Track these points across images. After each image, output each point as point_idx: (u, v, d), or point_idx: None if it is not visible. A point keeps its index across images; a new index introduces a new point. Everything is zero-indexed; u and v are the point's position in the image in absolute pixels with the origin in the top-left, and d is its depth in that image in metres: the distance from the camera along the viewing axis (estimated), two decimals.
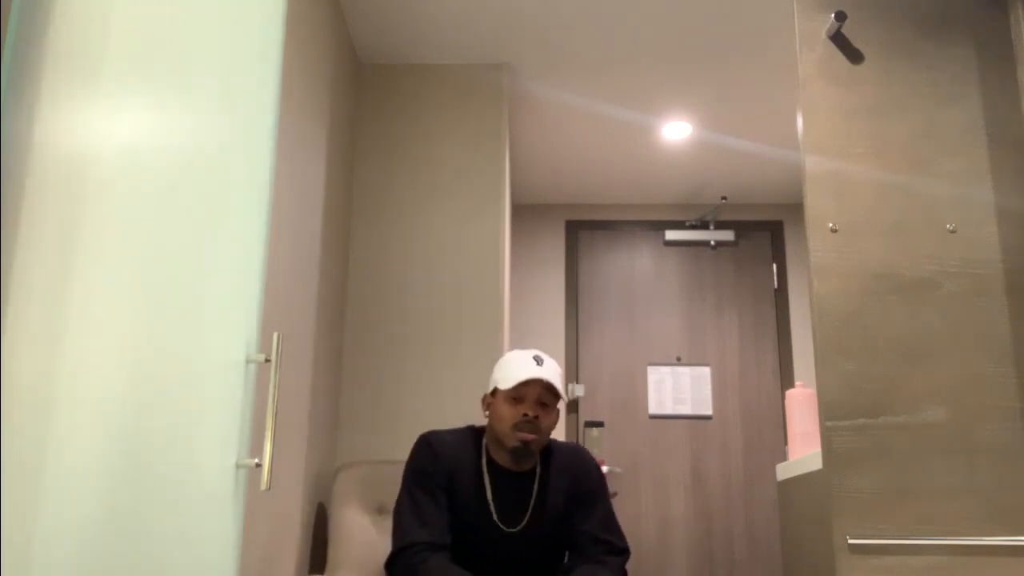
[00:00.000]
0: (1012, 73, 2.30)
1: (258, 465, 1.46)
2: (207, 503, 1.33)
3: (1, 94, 0.85)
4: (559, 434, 4.53)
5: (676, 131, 4.09)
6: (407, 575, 2.00)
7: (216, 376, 1.36)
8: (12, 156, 0.85)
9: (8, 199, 0.84)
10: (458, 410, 3.20)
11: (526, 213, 4.95)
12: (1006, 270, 2.18)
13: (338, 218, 3.18)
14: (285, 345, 2.46)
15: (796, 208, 4.94)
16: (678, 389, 4.67)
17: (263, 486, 1.42)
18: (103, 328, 1.01)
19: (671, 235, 4.88)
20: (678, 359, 4.71)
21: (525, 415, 2.05)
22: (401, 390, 3.23)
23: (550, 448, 2.22)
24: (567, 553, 2.21)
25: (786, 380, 4.65)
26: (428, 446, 2.12)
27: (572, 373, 4.71)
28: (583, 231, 4.93)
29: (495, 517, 2.10)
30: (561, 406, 2.18)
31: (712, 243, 4.87)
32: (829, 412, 2.09)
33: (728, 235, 4.86)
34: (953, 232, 2.21)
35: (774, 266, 4.84)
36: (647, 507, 4.53)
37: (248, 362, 1.50)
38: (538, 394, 2.07)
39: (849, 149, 2.26)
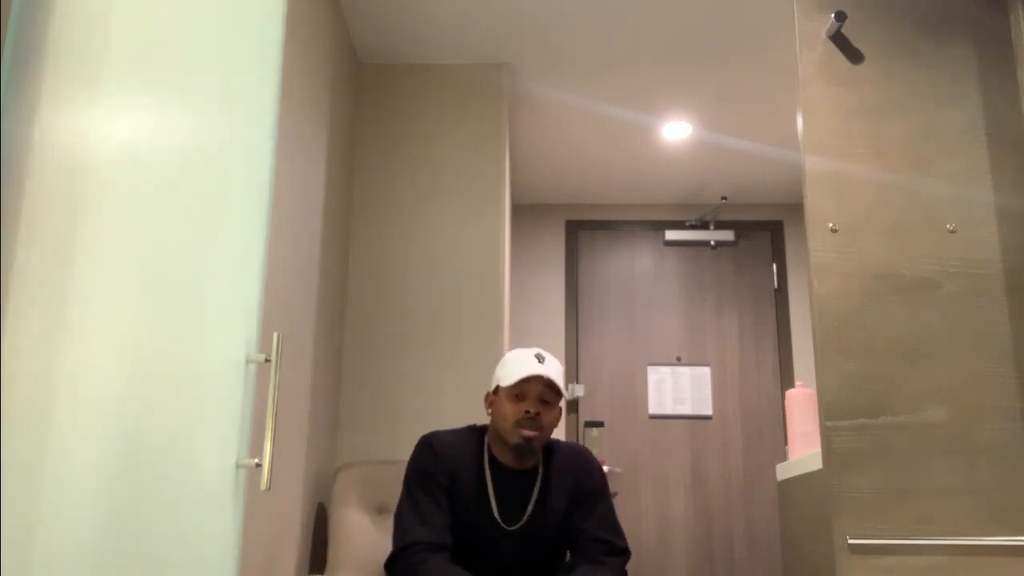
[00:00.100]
0: (1012, 73, 2.30)
1: (258, 465, 1.46)
2: (207, 503, 1.33)
3: (1, 94, 0.85)
4: (559, 434, 4.53)
5: (676, 131, 4.09)
6: (407, 575, 2.00)
7: (216, 376, 1.36)
8: (12, 156, 0.85)
9: (8, 199, 0.85)
10: (458, 410, 3.20)
11: (526, 213, 4.95)
12: (1006, 270, 2.18)
13: (338, 218, 3.18)
14: (285, 345, 2.46)
15: (796, 208, 4.94)
16: (678, 389, 4.67)
17: (263, 486, 1.42)
18: (103, 328, 1.01)
19: (671, 235, 4.88)
20: (678, 359, 4.71)
21: (527, 412, 2.06)
22: (401, 390, 3.23)
23: (552, 448, 2.22)
24: (568, 553, 2.21)
25: (786, 380, 4.65)
26: (429, 447, 2.13)
27: (572, 373, 4.71)
28: (583, 231, 4.93)
29: (496, 515, 2.10)
30: (563, 404, 2.18)
31: (712, 243, 4.87)
32: (829, 412, 2.09)
33: (728, 235, 4.86)
34: (953, 232, 2.21)
35: (774, 266, 4.85)
36: (647, 507, 4.53)
37: (248, 362, 1.50)
38: (540, 391, 2.08)
39: (849, 149, 2.26)
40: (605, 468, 4.37)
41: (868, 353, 2.12)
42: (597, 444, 4.31)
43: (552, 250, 4.90)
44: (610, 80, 3.65)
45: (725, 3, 3.13)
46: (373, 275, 3.34)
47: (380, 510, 2.82)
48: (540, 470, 2.17)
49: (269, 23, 1.62)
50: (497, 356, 3.21)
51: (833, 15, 2.28)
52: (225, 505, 1.40)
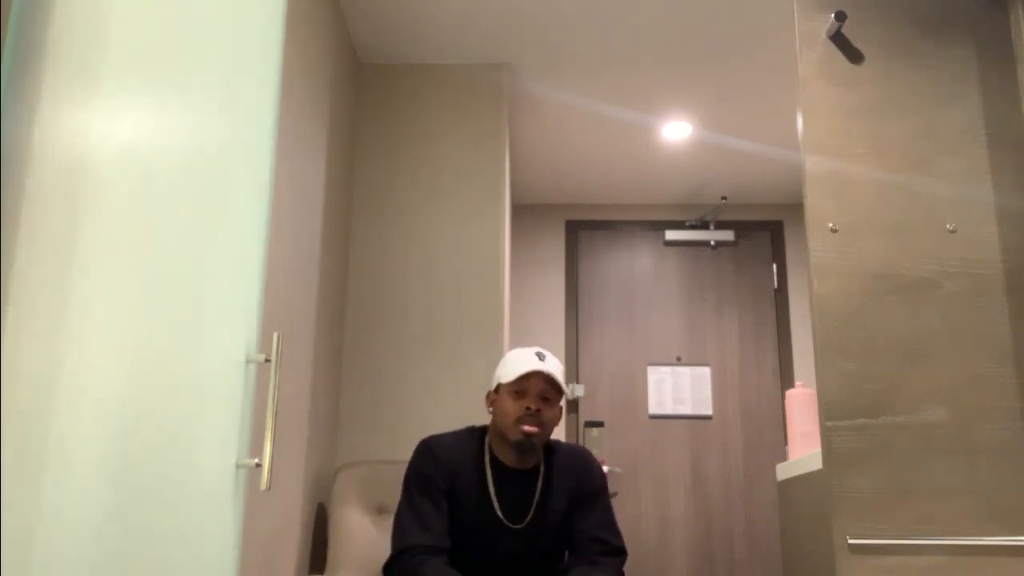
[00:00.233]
0: (1012, 73, 2.30)
1: (258, 465, 1.46)
2: (207, 503, 1.33)
3: (1, 94, 0.85)
4: (560, 434, 4.53)
5: (676, 131, 4.09)
6: None
7: (216, 376, 1.36)
8: (12, 156, 0.85)
9: (8, 199, 0.85)
10: (458, 410, 3.20)
11: (526, 213, 4.95)
12: (1006, 270, 2.18)
13: (338, 218, 3.18)
14: (285, 345, 2.46)
15: (796, 208, 4.94)
16: (678, 389, 4.67)
17: (263, 486, 1.42)
18: (103, 328, 1.01)
19: (671, 235, 4.88)
20: (678, 359, 4.71)
21: (528, 408, 2.06)
22: (401, 390, 3.23)
23: (553, 448, 2.22)
24: (566, 553, 2.22)
25: (786, 380, 4.65)
26: (429, 451, 2.13)
27: (572, 373, 4.71)
28: (583, 231, 4.93)
29: (500, 514, 2.10)
30: (563, 403, 2.19)
31: (712, 243, 4.87)
32: (829, 412, 2.09)
33: (728, 235, 4.86)
34: (953, 232, 2.21)
35: (774, 266, 4.84)
36: (647, 507, 4.53)
37: (248, 362, 1.50)
38: (541, 388, 2.09)
39: (849, 149, 2.26)
40: (605, 468, 4.37)
41: (868, 353, 2.12)
42: (597, 444, 4.31)
43: (552, 250, 4.90)
44: (610, 80, 3.65)
45: (725, 3, 3.13)
46: (373, 275, 3.34)
47: (380, 510, 2.82)
48: (541, 469, 2.17)
49: (269, 23, 1.62)
50: (497, 356, 3.21)
51: (833, 15, 2.28)
52: (225, 505, 1.40)
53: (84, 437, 0.98)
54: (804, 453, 2.60)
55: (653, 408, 4.65)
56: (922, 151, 2.26)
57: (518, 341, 4.69)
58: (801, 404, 2.74)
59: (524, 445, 2.08)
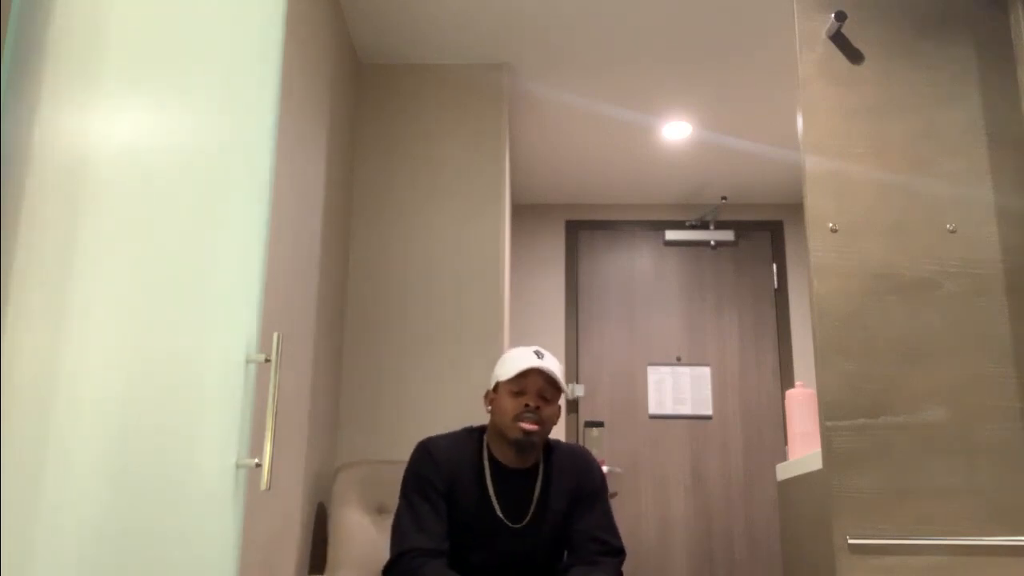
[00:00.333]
0: (1012, 73, 2.30)
1: (258, 465, 1.46)
2: (207, 503, 1.33)
3: (1, 94, 0.85)
4: (560, 434, 4.53)
5: (676, 131, 4.09)
6: None
7: (216, 376, 1.36)
8: (12, 156, 0.85)
9: (8, 199, 0.85)
10: (458, 409, 3.20)
11: (526, 213, 4.95)
12: (1006, 270, 2.18)
13: (338, 218, 3.18)
14: (285, 345, 2.46)
15: (796, 208, 4.94)
16: (678, 389, 4.67)
17: (263, 486, 1.42)
18: (103, 328, 1.01)
19: (671, 235, 4.88)
20: (678, 359, 4.71)
21: (527, 405, 2.06)
22: (401, 390, 3.23)
23: (553, 447, 2.22)
24: (565, 553, 2.22)
25: (786, 380, 4.65)
26: (427, 453, 2.13)
27: (572, 373, 4.71)
28: (583, 231, 4.93)
29: (499, 514, 2.10)
30: (562, 402, 2.19)
31: (712, 243, 4.87)
32: (829, 412, 2.09)
33: (728, 235, 4.86)
34: (953, 232, 2.21)
35: (774, 266, 4.85)
36: (647, 507, 4.53)
37: (248, 362, 1.50)
38: (539, 386, 2.08)
39: (849, 149, 2.26)
40: (605, 468, 4.37)
41: (868, 353, 2.12)
42: (597, 444, 4.31)
43: (552, 250, 4.90)
44: (610, 80, 3.65)
45: (725, 3, 3.13)
46: (373, 275, 3.34)
47: (380, 510, 2.82)
48: (541, 468, 2.17)
49: (269, 23, 1.62)
50: (497, 356, 3.21)
51: (833, 15, 2.28)
52: (225, 505, 1.40)
53: (84, 437, 0.98)
54: (804, 453, 2.60)
55: (653, 408, 4.65)
56: (922, 151, 2.26)
57: (518, 341, 4.69)
58: (801, 404, 2.74)
59: (524, 443, 2.07)
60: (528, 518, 2.12)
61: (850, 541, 2.00)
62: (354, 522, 2.74)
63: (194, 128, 1.27)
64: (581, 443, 4.44)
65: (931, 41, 2.33)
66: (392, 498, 2.71)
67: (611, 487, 4.48)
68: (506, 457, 2.13)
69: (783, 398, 4.60)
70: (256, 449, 1.98)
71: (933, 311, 2.15)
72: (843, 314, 2.15)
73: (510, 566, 2.12)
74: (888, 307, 2.16)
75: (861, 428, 2.08)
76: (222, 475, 1.39)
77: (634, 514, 4.51)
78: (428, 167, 3.44)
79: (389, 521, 2.66)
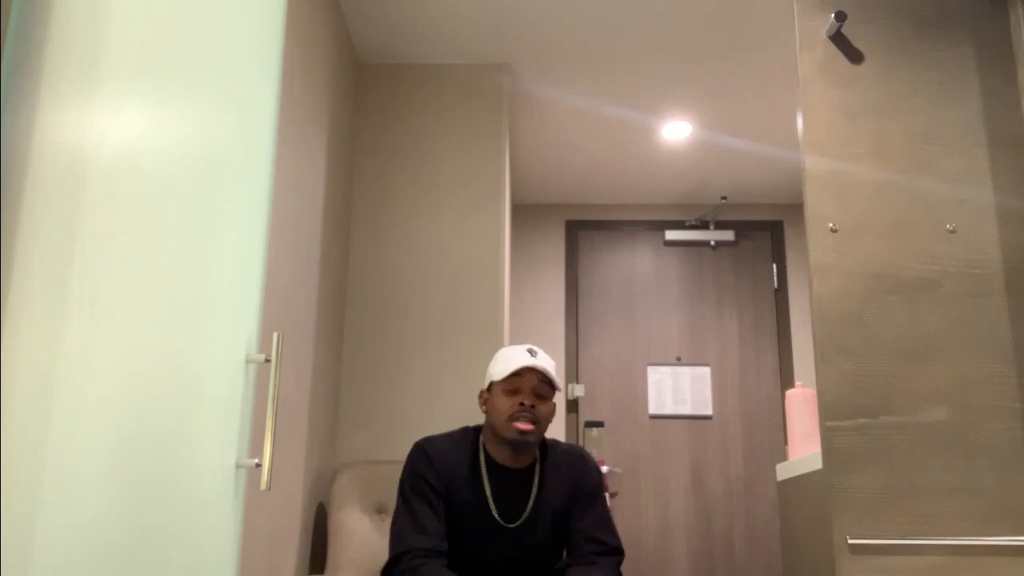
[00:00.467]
0: (1012, 73, 2.30)
1: (258, 465, 1.46)
2: (207, 503, 1.33)
3: (1, 94, 0.85)
4: (560, 434, 4.53)
5: (676, 131, 4.09)
6: None
7: (216, 376, 1.36)
8: (12, 156, 0.85)
9: (8, 199, 0.85)
10: (458, 410, 3.20)
11: (526, 213, 4.95)
12: (1006, 270, 2.18)
13: (338, 218, 3.18)
14: (285, 345, 2.46)
15: (796, 208, 4.94)
16: (678, 389, 4.67)
17: (263, 486, 1.42)
18: (103, 328, 1.01)
19: (671, 235, 4.88)
20: (678, 359, 4.72)
21: (522, 404, 2.05)
22: (401, 390, 3.23)
23: (549, 447, 2.22)
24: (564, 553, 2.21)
25: (786, 380, 4.65)
26: (423, 453, 2.12)
27: (572, 373, 4.71)
28: (583, 231, 4.93)
29: (495, 514, 2.10)
30: (557, 399, 2.18)
31: (712, 243, 4.87)
32: (829, 412, 2.09)
33: (728, 235, 4.86)
34: (953, 232, 2.21)
35: (774, 266, 4.85)
36: (647, 507, 4.53)
37: (248, 362, 1.50)
38: (534, 384, 2.08)
39: (849, 149, 2.26)
40: (605, 468, 4.37)
41: (868, 353, 2.12)
42: (597, 444, 4.31)
43: (552, 250, 4.90)
44: (610, 80, 3.65)
45: (725, 3, 3.13)
46: (373, 275, 3.34)
47: (380, 510, 2.82)
48: (537, 468, 2.17)
49: (269, 23, 1.62)
50: None
51: (833, 15, 2.28)
52: (225, 505, 1.40)
53: (84, 437, 0.98)
54: (804, 453, 2.60)
55: (653, 408, 4.65)
56: (922, 151, 2.26)
57: (518, 341, 4.69)
58: (801, 404, 2.74)
59: (520, 443, 2.07)
60: (524, 518, 2.12)
61: (850, 541, 2.00)
62: (354, 522, 2.74)
63: (194, 128, 1.27)
64: (581, 443, 4.44)
65: (931, 41, 2.33)
66: (392, 498, 2.71)
67: (611, 487, 4.48)
68: (502, 457, 2.13)
69: (783, 398, 4.60)
70: (256, 449, 1.98)
71: (933, 311, 2.15)
72: (843, 314, 2.15)
73: (507, 566, 2.12)
74: (888, 307, 2.16)
75: (861, 428, 2.08)
76: (222, 475, 1.39)
77: (634, 514, 4.51)
78: (428, 167, 3.44)
79: (389, 521, 2.66)
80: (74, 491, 0.96)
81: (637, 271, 4.86)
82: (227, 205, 1.40)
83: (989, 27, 2.33)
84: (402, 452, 3.07)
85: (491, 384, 2.13)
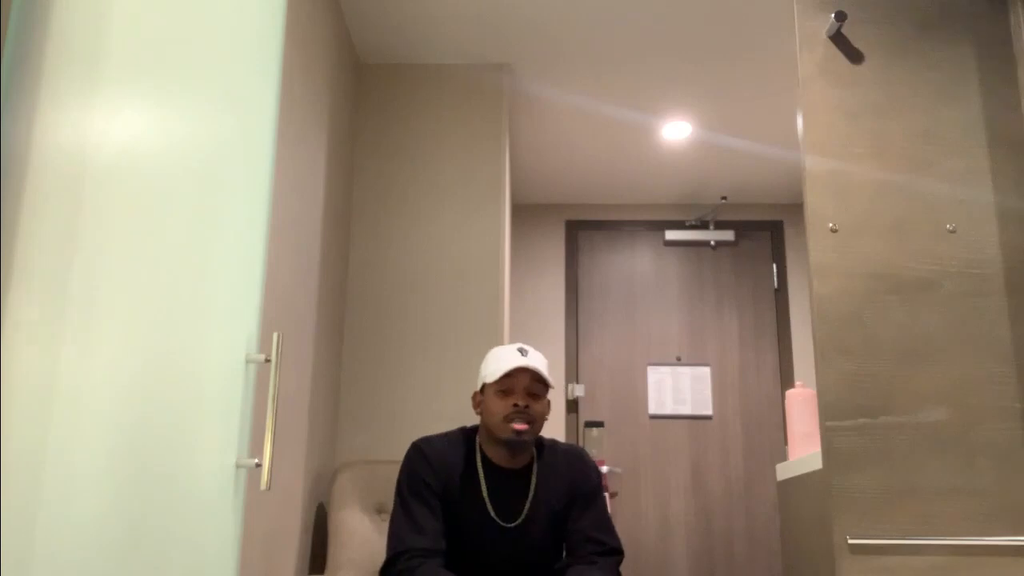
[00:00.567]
0: (1012, 73, 2.30)
1: (258, 465, 1.46)
2: (207, 503, 1.33)
3: (1, 94, 0.85)
4: (560, 434, 4.53)
5: (676, 131, 4.09)
6: None
7: (216, 376, 1.36)
8: (12, 156, 0.85)
9: (8, 199, 0.85)
10: (457, 410, 3.20)
11: (526, 213, 4.95)
12: (1006, 270, 2.18)
13: (338, 218, 3.18)
14: (285, 345, 2.46)
15: (796, 208, 4.94)
16: (678, 389, 4.67)
17: (263, 486, 1.42)
18: (103, 328, 1.01)
19: (671, 235, 4.88)
20: (678, 359, 4.72)
21: (516, 405, 2.05)
22: (400, 390, 3.23)
23: (547, 447, 2.22)
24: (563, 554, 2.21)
25: (786, 380, 4.65)
26: (420, 453, 2.12)
27: (572, 373, 4.71)
28: (583, 231, 4.93)
29: (492, 514, 2.09)
30: (557, 399, 2.18)
31: (712, 243, 4.87)
32: (829, 412, 2.09)
33: (728, 235, 4.86)
34: (953, 232, 2.21)
35: (774, 266, 4.85)
36: (647, 507, 4.53)
37: (248, 362, 1.50)
38: (527, 384, 2.07)
39: (849, 149, 2.26)
40: (605, 468, 4.37)
41: (868, 353, 2.12)
42: (597, 444, 4.31)
43: (552, 250, 4.90)
44: (610, 80, 3.65)
45: (725, 3, 3.13)
46: (373, 275, 3.34)
47: (380, 510, 2.82)
48: (535, 468, 2.17)
49: (269, 23, 1.62)
50: None
51: (833, 15, 2.28)
52: (225, 505, 1.40)
53: (84, 437, 0.98)
54: (804, 453, 2.60)
55: (653, 408, 4.65)
56: (922, 151, 2.26)
57: (518, 341, 4.69)
58: (801, 404, 2.74)
59: (515, 443, 2.07)
60: (522, 518, 2.11)
61: (850, 541, 2.00)
62: (354, 522, 2.74)
63: (194, 128, 1.27)
64: (581, 443, 4.44)
65: (931, 41, 2.33)
66: (392, 498, 2.71)
67: (611, 487, 4.48)
68: (499, 457, 2.13)
69: (783, 398, 4.60)
70: (256, 449, 1.98)
71: (933, 311, 2.15)
72: (843, 314, 2.15)
73: (506, 566, 2.12)
74: (888, 307, 2.16)
75: (861, 428, 2.08)
76: (222, 475, 1.39)
77: (634, 514, 4.51)
78: (428, 167, 3.44)
79: (388, 521, 2.66)
80: (74, 491, 0.96)
81: (637, 271, 4.86)
82: (227, 205, 1.40)
83: (989, 27, 2.33)
84: (402, 452, 3.07)
85: (484, 386, 2.13)
